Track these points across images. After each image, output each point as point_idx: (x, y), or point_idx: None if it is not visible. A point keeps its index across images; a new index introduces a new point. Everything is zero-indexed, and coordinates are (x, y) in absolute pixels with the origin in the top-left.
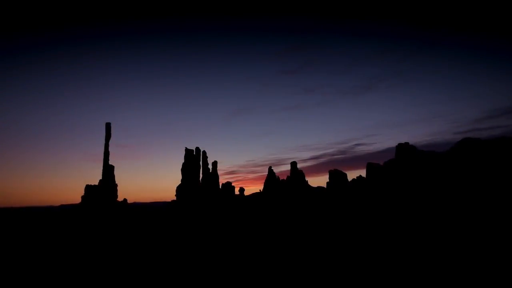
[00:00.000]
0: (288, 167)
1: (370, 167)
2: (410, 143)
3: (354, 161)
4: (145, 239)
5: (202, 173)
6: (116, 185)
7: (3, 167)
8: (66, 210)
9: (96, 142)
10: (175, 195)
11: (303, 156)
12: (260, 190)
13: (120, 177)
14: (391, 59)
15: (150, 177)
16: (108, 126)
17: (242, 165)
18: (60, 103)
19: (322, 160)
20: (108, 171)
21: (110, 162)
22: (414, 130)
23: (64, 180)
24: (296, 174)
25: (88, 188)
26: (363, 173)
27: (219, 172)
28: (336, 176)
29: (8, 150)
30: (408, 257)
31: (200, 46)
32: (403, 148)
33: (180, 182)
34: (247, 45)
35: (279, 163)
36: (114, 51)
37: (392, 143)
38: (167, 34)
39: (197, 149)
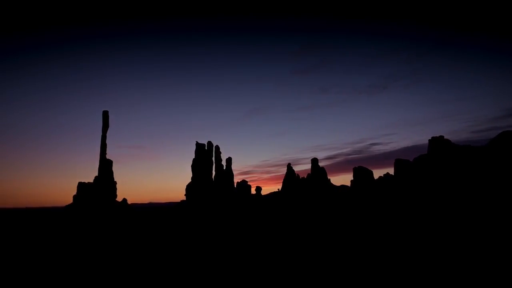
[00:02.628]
0: (303, 167)
1: (398, 164)
2: (427, 142)
3: (370, 160)
4: (140, 247)
5: (215, 171)
6: (115, 183)
7: None
8: (55, 212)
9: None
10: (185, 195)
11: (318, 156)
12: (278, 189)
13: (133, 177)
14: (406, 58)
15: (164, 177)
16: (105, 115)
17: (256, 165)
18: (63, 104)
19: (337, 160)
20: (105, 166)
21: (123, 163)
22: (430, 129)
23: (58, 180)
24: (318, 171)
25: (81, 186)
26: (380, 173)
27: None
28: (361, 174)
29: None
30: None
31: (214, 45)
32: (437, 142)
33: (190, 181)
34: (262, 45)
35: (294, 163)
36: (123, 50)
37: (408, 142)
38: (180, 33)
39: (209, 143)
